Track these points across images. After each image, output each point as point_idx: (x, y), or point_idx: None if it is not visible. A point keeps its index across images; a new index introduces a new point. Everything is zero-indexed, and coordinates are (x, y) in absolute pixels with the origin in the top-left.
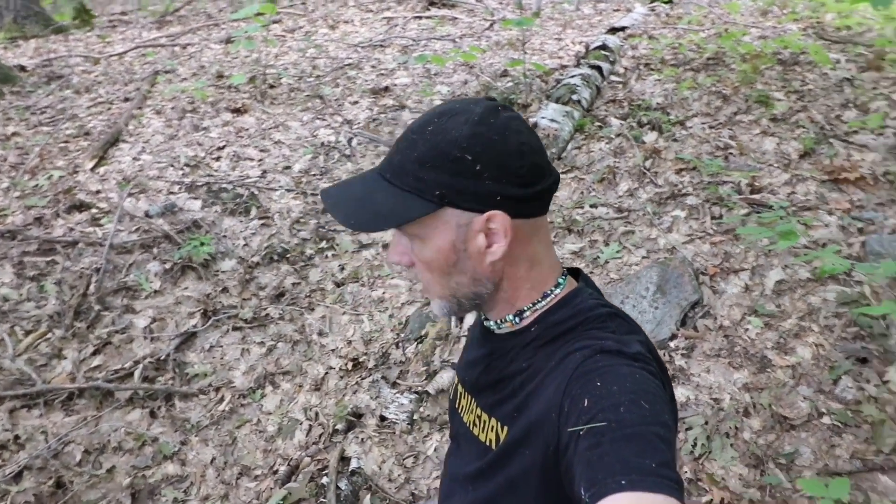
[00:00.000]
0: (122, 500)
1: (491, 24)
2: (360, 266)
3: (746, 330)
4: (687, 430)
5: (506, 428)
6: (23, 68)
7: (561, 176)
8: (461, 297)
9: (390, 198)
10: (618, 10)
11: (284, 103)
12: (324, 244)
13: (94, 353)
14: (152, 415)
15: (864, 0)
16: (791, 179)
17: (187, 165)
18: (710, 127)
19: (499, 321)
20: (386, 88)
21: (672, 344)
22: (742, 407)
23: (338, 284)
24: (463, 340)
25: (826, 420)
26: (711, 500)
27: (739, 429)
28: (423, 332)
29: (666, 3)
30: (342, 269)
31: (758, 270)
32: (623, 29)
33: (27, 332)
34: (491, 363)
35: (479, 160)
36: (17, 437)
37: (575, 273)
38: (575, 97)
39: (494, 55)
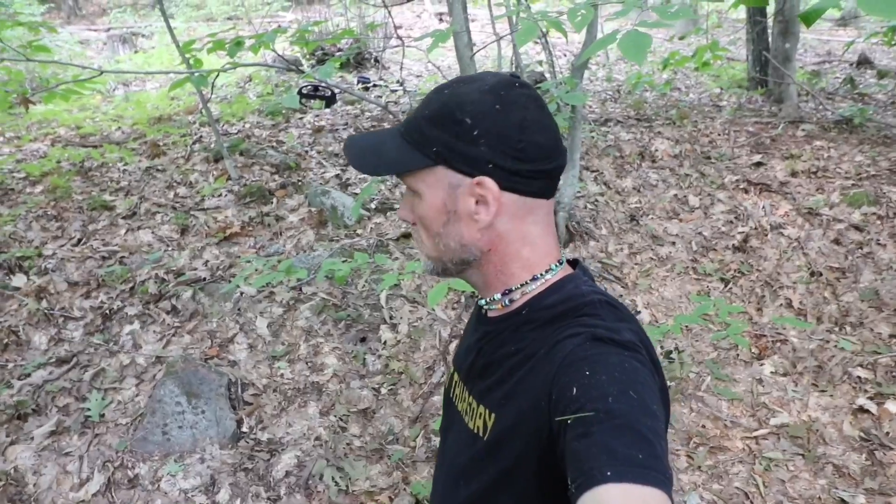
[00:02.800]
0: None
1: None
2: None
3: (273, 374)
4: None
5: (493, 415)
6: None
7: None
8: (447, 260)
9: (396, 150)
10: None
11: None
12: None
13: None
14: None
15: (181, 84)
16: (192, 253)
17: None
18: (74, 245)
19: (488, 300)
20: None
21: None
22: None
23: None
24: None
25: None
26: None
27: None
28: None
29: None
30: None
31: (248, 327)
32: None
33: None
34: (483, 347)
35: (477, 125)
36: None
37: (573, 265)
38: None
39: None
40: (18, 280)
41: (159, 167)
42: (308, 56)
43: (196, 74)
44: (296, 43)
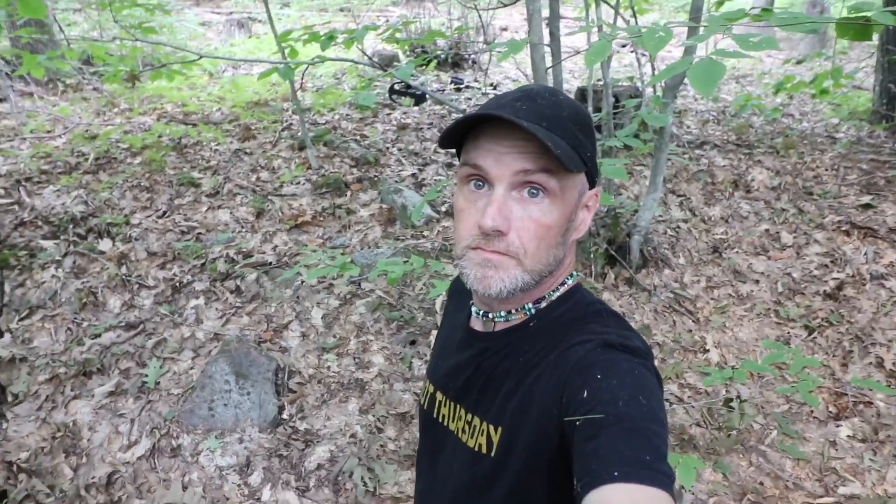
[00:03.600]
0: None
1: None
2: None
3: (329, 367)
4: None
5: (500, 429)
6: None
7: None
8: (544, 274)
9: (564, 145)
10: None
11: None
12: None
13: None
14: None
15: (269, 74)
16: (265, 236)
17: None
18: (160, 217)
19: (515, 310)
20: None
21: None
22: None
23: None
24: None
25: None
26: None
27: None
28: None
29: None
30: None
31: (301, 316)
32: None
33: None
34: (481, 363)
35: (594, 135)
36: None
37: None
38: None
39: None
40: (105, 245)
41: (247, 150)
42: (407, 52)
43: (283, 66)
44: (387, 41)
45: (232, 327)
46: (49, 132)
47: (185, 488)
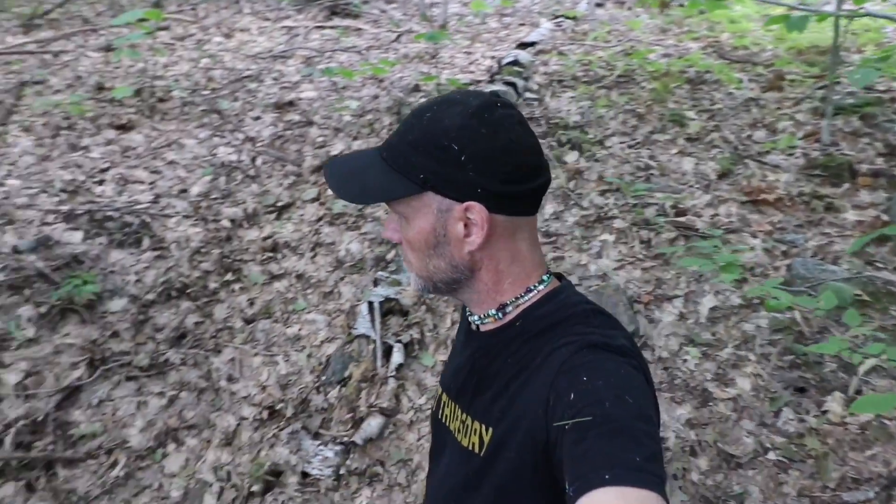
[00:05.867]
0: None
1: (398, 37)
2: (273, 300)
3: (685, 361)
4: None
5: (490, 430)
6: None
7: None
8: (437, 281)
9: (381, 175)
10: (523, 25)
11: (177, 119)
12: (230, 276)
13: None
14: (29, 488)
15: (778, 22)
16: (713, 201)
17: (64, 191)
18: (630, 146)
19: (482, 316)
20: (290, 103)
21: None
22: (688, 445)
23: (247, 321)
24: (392, 381)
25: (772, 456)
26: None
27: (687, 469)
28: (346, 374)
29: (571, 18)
30: (251, 303)
31: (691, 297)
32: (533, 44)
33: None
34: (475, 363)
35: (464, 151)
36: None
37: (558, 278)
38: None
39: (404, 69)
40: (571, 157)
41: (761, 102)
42: None
43: (800, 13)
44: None
45: (622, 274)
46: (606, 42)
47: None
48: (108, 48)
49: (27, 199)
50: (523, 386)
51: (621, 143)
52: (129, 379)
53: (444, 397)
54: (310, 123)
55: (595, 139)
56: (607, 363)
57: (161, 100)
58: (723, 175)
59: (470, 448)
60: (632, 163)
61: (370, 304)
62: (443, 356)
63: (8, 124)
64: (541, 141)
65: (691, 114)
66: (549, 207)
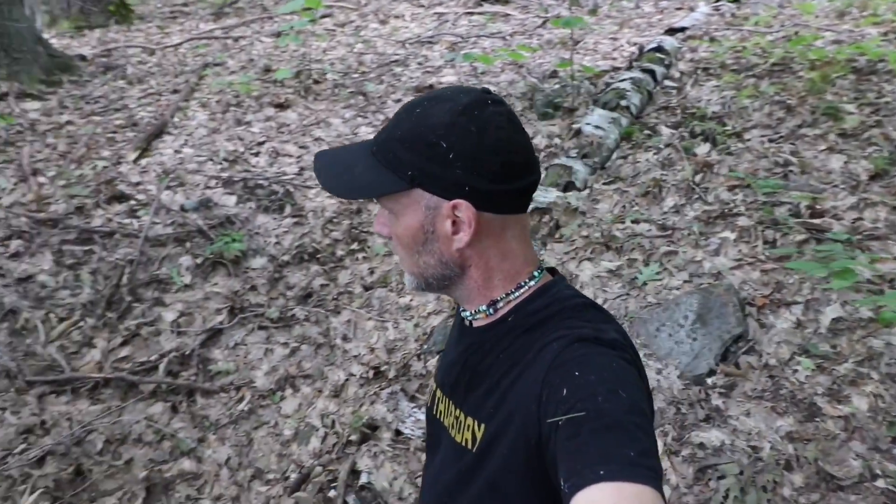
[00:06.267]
0: (137, 492)
1: (543, 22)
2: (391, 270)
3: (795, 371)
4: (719, 478)
5: (483, 425)
6: (83, 58)
7: (602, 188)
8: (428, 277)
9: (369, 171)
10: (680, 9)
11: (328, 99)
12: (355, 246)
13: (123, 344)
14: (174, 409)
15: None
16: (858, 203)
17: (226, 160)
18: (770, 140)
19: (473, 311)
20: (430, 87)
21: (710, 381)
22: (783, 459)
23: (366, 288)
24: None
25: (881, 483)
26: None
27: (779, 483)
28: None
29: (732, 2)
30: (371, 272)
31: (812, 305)
32: (683, 30)
33: (61, 320)
34: (468, 359)
35: (452, 149)
36: (43, 423)
37: (551, 273)
38: (624, 103)
39: (545, 54)
40: (702, 149)
41: None
42: None
43: None
44: None
45: (738, 274)
46: (768, 27)
47: None
48: (278, 34)
49: (196, 165)
50: (515, 381)
51: (762, 136)
52: (260, 328)
53: (439, 393)
54: None
55: (732, 131)
56: (599, 357)
57: (316, 81)
58: (876, 176)
59: (463, 444)
60: (769, 158)
61: None
62: None
63: (189, 100)
64: (671, 132)
65: (850, 107)
66: (669, 200)
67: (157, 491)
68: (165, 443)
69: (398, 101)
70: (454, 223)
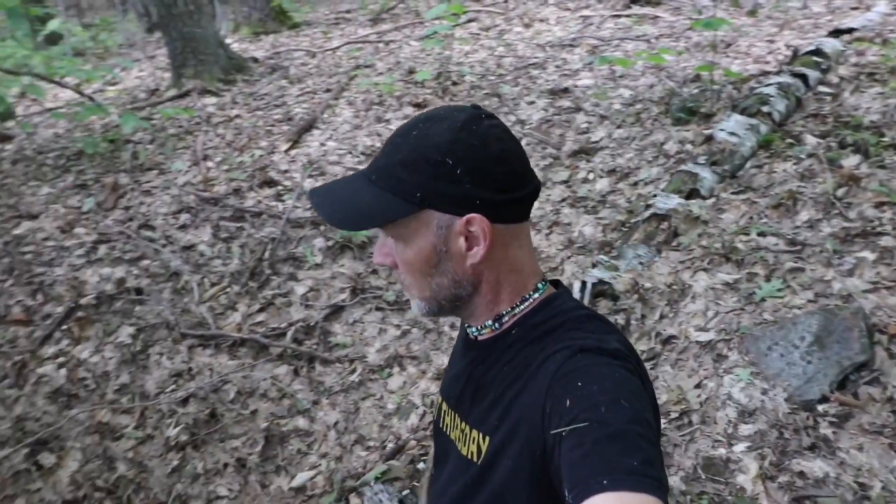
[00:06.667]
0: (257, 440)
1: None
2: None
3: None
4: None
5: (488, 438)
6: (255, 60)
7: (730, 197)
8: (441, 299)
9: (374, 198)
10: (856, 9)
11: (462, 100)
12: None
13: (260, 311)
14: (295, 372)
15: None
16: None
17: (363, 154)
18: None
19: (479, 327)
20: (566, 90)
21: (821, 408)
22: (895, 501)
23: None
24: None
25: None
26: None
27: None
28: None
29: None
30: None
31: None
32: (851, 31)
33: (212, 284)
34: (472, 372)
35: (459, 165)
36: (190, 370)
37: (554, 284)
38: (765, 109)
39: (691, 57)
40: (850, 161)
41: None
42: None
43: None
44: None
45: (871, 298)
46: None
47: (696, 386)
48: (424, 38)
49: (337, 157)
50: (519, 393)
51: None
52: (377, 309)
53: (444, 406)
54: (578, 110)
55: (890, 143)
56: (602, 367)
57: (454, 83)
58: None
59: (469, 457)
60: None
61: (583, 283)
62: (644, 346)
63: (339, 99)
64: (817, 141)
65: None
66: (803, 214)
67: (274, 441)
68: (285, 401)
69: (531, 102)
70: (467, 239)
